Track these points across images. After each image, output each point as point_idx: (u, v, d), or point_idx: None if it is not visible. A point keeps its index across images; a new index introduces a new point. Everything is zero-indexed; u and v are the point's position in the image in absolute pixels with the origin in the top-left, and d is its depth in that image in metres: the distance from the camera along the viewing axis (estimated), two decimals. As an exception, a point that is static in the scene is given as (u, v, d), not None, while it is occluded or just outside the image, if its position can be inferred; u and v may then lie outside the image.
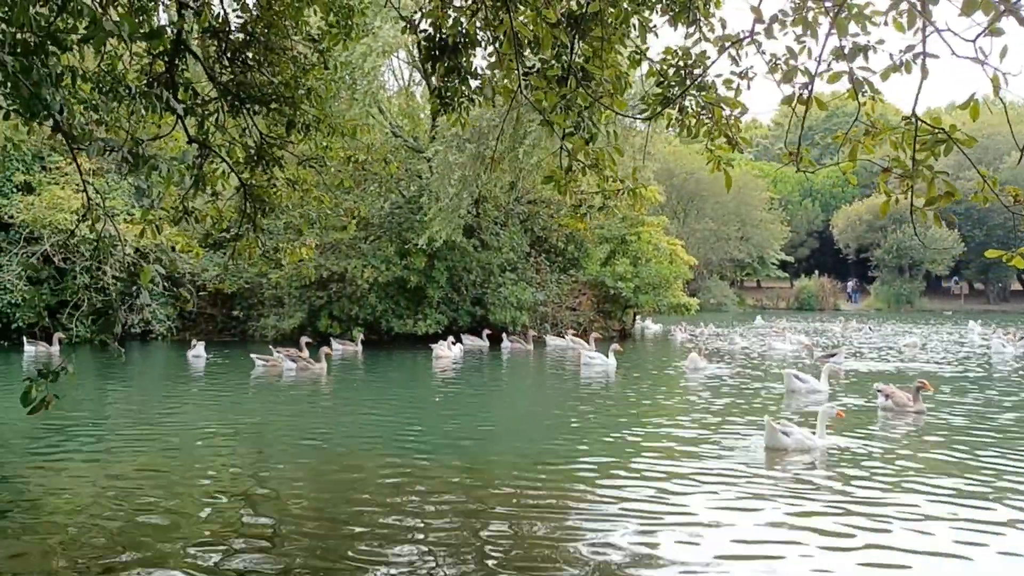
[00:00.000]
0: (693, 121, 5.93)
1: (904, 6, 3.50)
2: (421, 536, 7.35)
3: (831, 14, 4.03)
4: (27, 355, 23.77)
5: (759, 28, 4.59)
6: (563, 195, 6.08)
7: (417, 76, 33.73)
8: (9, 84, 3.95)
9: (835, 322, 44.90)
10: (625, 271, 31.01)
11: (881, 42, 3.75)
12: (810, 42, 4.60)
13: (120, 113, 4.46)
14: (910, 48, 3.52)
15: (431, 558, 6.72)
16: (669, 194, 45.19)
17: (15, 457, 10.94)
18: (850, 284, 77.43)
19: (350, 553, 6.83)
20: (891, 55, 3.63)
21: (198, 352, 23.16)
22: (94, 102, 4.01)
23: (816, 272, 77.74)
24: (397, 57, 30.83)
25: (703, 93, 5.67)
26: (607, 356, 22.38)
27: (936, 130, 3.63)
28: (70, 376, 3.48)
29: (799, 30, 4.25)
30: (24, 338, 24.78)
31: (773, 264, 77.17)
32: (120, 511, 8.15)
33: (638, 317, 36.41)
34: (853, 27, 4.13)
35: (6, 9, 3.91)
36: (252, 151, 7.80)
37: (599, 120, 6.40)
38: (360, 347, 25.59)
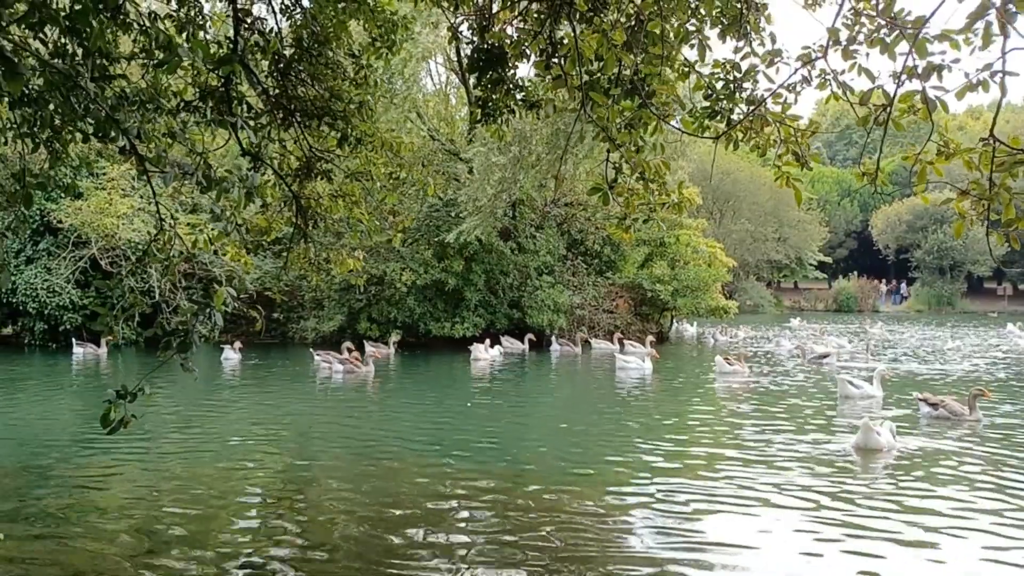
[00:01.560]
0: (740, 135, 5.94)
1: (981, 24, 3.49)
2: (461, 542, 7.44)
3: (898, 32, 4.02)
4: (75, 357, 24.34)
5: (813, 46, 4.60)
6: (607, 205, 6.12)
7: (454, 79, 33.89)
8: (83, 108, 4.11)
9: (874, 324, 44.26)
10: (663, 274, 30.86)
11: (957, 61, 3.74)
12: (867, 59, 4.59)
13: (192, 133, 4.60)
14: (988, 66, 3.50)
15: (468, 566, 6.79)
16: (705, 195, 44.85)
17: (63, 457, 11.23)
18: (888, 285, 76.09)
19: (391, 560, 6.93)
20: (967, 74, 3.61)
21: (228, 355, 23.64)
22: (172, 129, 4.14)
23: (855, 273, 76.68)
24: (434, 60, 31.01)
25: (761, 108, 5.67)
26: (643, 360, 22.41)
27: (1016, 151, 3.60)
28: (147, 396, 3.60)
29: (875, 50, 4.24)
30: (73, 340, 25.38)
31: (811, 265, 76.24)
32: (162, 511, 8.34)
33: (675, 320, 36.18)
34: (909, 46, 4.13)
35: (83, 35, 4.06)
36: (302, 163, 7.95)
37: (648, 133, 6.43)
38: (392, 350, 25.64)
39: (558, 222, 31.48)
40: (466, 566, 6.75)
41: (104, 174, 26.21)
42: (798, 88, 5.54)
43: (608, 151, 6.03)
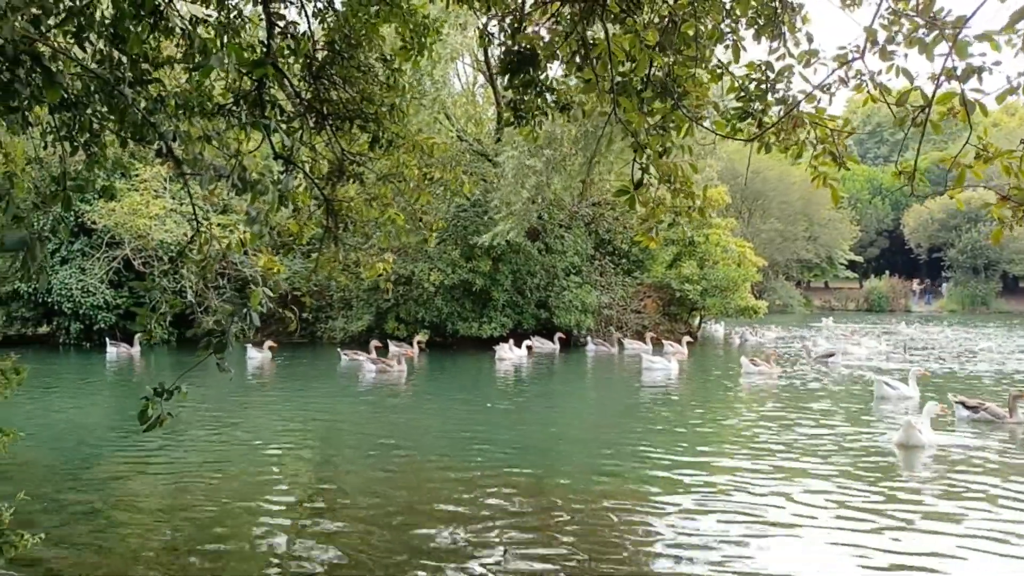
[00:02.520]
0: (773, 138, 5.86)
1: (1021, 25, 3.41)
2: (490, 541, 7.42)
3: (937, 32, 3.94)
4: (109, 356, 24.69)
5: (852, 47, 4.52)
6: (632, 208, 6.06)
7: (480, 78, 33.91)
8: (120, 112, 4.14)
9: (904, 324, 43.68)
10: (692, 273, 30.65)
11: (998, 63, 3.65)
12: (903, 60, 4.51)
13: (226, 135, 4.62)
14: (1029, 71, 3.42)
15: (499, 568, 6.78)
16: (734, 194, 44.58)
17: (96, 454, 11.38)
18: (920, 285, 74.99)
19: (418, 560, 6.94)
20: (1008, 78, 3.53)
21: (252, 354, 23.96)
22: (208, 133, 4.16)
23: (887, 272, 75.71)
24: (462, 60, 31.05)
25: (785, 107, 5.60)
26: (669, 360, 22.35)
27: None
28: (182, 394, 3.63)
29: (913, 51, 4.16)
30: (107, 339, 25.75)
31: (842, 264, 75.44)
32: (192, 510, 8.41)
33: (703, 320, 35.92)
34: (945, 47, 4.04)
35: (124, 40, 4.09)
36: (334, 166, 7.98)
37: (680, 135, 6.37)
38: (417, 349, 25.44)
39: (586, 222, 31.38)
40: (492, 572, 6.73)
41: (137, 175, 26.55)
42: (833, 89, 5.46)
43: (636, 153, 5.98)
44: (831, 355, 25.48)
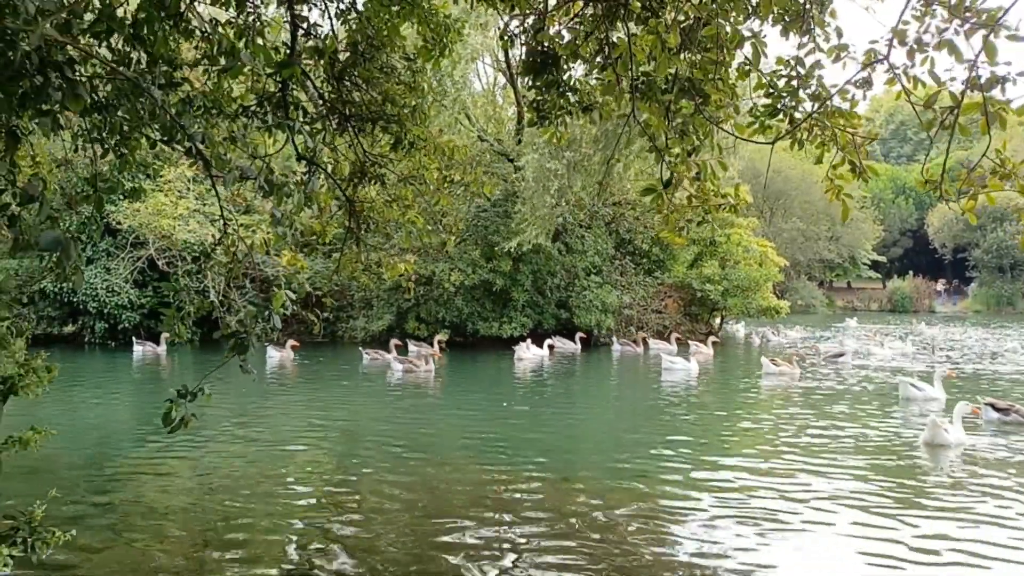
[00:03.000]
0: (805, 135, 5.81)
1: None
2: (510, 544, 7.41)
3: (968, 27, 3.88)
4: (136, 355, 24.93)
5: (881, 40, 4.47)
6: (659, 208, 6.02)
7: (500, 79, 33.92)
8: (149, 114, 4.17)
9: (926, 324, 43.21)
10: (713, 273, 30.50)
11: (1023, 74, 3.59)
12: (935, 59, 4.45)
13: (252, 138, 4.64)
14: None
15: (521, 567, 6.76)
16: (755, 193, 44.36)
17: (121, 454, 11.49)
18: (945, 285, 74.13)
19: (439, 558, 6.94)
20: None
21: (271, 352, 24.23)
22: (234, 134, 4.18)
23: (910, 273, 74.93)
24: (482, 61, 31.08)
25: (818, 106, 5.55)
26: (689, 360, 22.29)
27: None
28: (206, 396, 3.65)
29: (942, 54, 4.10)
30: (133, 339, 26.01)
31: (864, 264, 74.75)
32: (214, 510, 8.47)
33: (725, 320, 35.69)
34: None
35: (147, 43, 4.12)
36: (355, 167, 8.01)
37: (702, 136, 6.33)
38: (437, 349, 24.96)
39: (606, 222, 31.30)
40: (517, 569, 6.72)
41: (161, 176, 26.79)
42: (865, 88, 5.40)
43: (656, 155, 5.94)
44: (841, 355, 25.55)
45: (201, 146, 3.89)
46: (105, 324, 27.05)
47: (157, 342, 25.78)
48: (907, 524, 8.26)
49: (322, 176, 7.90)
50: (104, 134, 4.36)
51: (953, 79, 4.16)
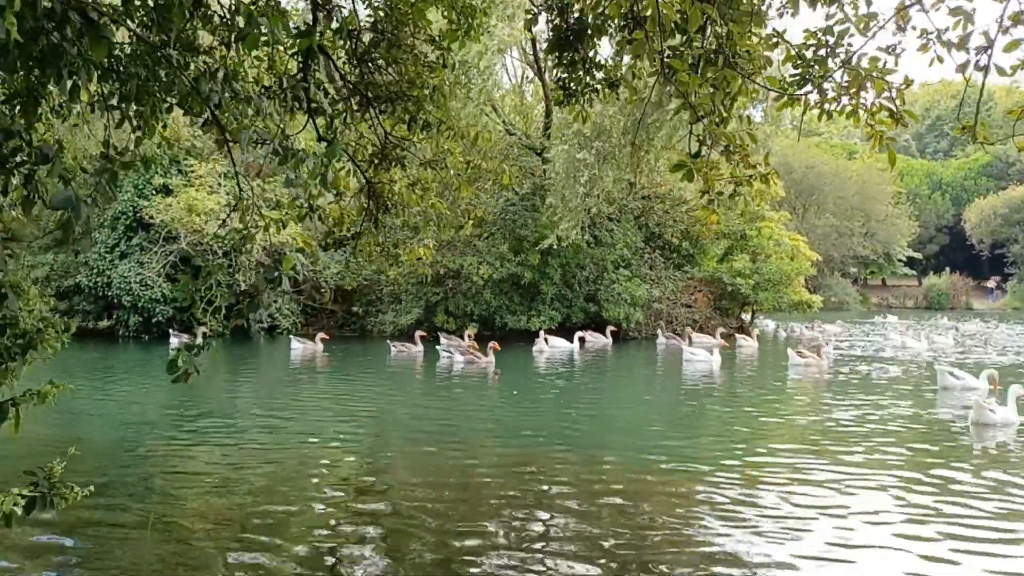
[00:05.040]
0: (834, 105, 5.67)
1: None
2: (537, 534, 7.34)
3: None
4: (172, 347, 25.22)
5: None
6: (691, 182, 5.91)
7: (530, 73, 33.87)
8: (168, 80, 4.16)
9: (943, 319, 42.45)
10: (744, 267, 30.18)
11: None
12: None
13: (268, 109, 4.61)
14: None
15: (546, 559, 6.68)
16: (788, 188, 43.79)
17: (152, 439, 11.57)
18: (995, 283, 72.52)
19: (463, 544, 6.88)
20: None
21: (295, 344, 24.46)
22: (249, 95, 4.16)
23: (947, 269, 73.63)
24: (510, 55, 31.05)
25: (848, 68, 5.40)
26: (711, 353, 22.17)
27: None
28: (212, 352, 3.63)
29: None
30: (169, 331, 26.37)
31: (900, 261, 73.60)
32: (242, 496, 8.47)
33: (755, 315, 35.31)
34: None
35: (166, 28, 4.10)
36: (376, 149, 7.97)
37: (734, 91, 6.19)
38: (468, 342, 24.98)
39: (635, 215, 31.13)
40: (541, 556, 6.64)
41: (192, 171, 27.09)
42: (897, 50, 5.26)
43: (691, 124, 5.84)
44: (823, 345, 25.69)
45: (217, 111, 3.86)
46: (139, 318, 27.42)
47: (193, 335, 26.09)
48: (957, 503, 8.07)
49: (343, 158, 7.87)
50: (121, 103, 4.35)
51: (995, 23, 4.00)
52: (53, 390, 3.53)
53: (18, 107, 3.90)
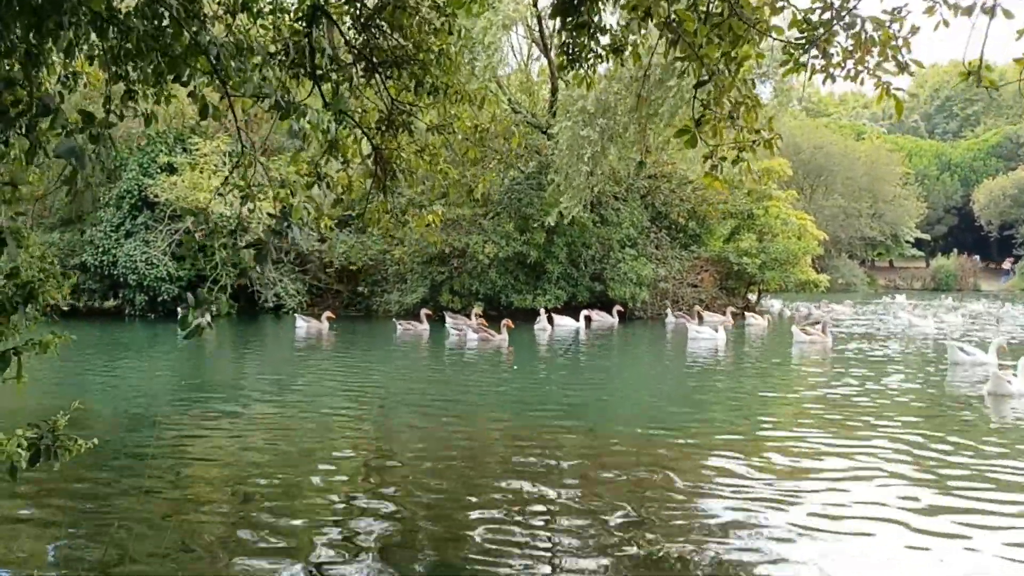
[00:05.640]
0: (840, 70, 5.61)
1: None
2: (542, 508, 7.34)
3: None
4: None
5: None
6: (694, 147, 5.87)
7: (536, 51, 33.68)
8: (168, 36, 4.11)
9: (947, 299, 42.29)
10: (750, 247, 30.07)
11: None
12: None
13: (271, 69, 4.56)
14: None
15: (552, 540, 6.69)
16: (795, 169, 43.55)
17: (160, 412, 11.60)
18: (1011, 262, 72.06)
19: (470, 515, 6.89)
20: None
21: (299, 323, 24.61)
22: (250, 43, 4.12)
23: (955, 251, 73.32)
24: (516, 32, 30.85)
25: (852, 33, 5.34)
26: (716, 331, 22.17)
27: None
28: (224, 304, 3.62)
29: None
30: (179, 309, 26.36)
31: (907, 242, 73.35)
32: (247, 467, 8.49)
33: (762, 294, 35.21)
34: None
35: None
36: (383, 115, 7.92)
37: (738, 71, 6.16)
38: (476, 321, 24.32)
39: (641, 194, 31.01)
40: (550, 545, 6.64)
41: (197, 150, 27.06)
42: (903, 12, 5.19)
43: (695, 88, 5.79)
44: (817, 322, 25.71)
45: (216, 63, 3.82)
46: (145, 297, 27.46)
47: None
48: (974, 472, 8.06)
49: (349, 125, 7.83)
50: (120, 57, 4.31)
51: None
52: (55, 340, 3.52)
53: (17, 60, 3.87)
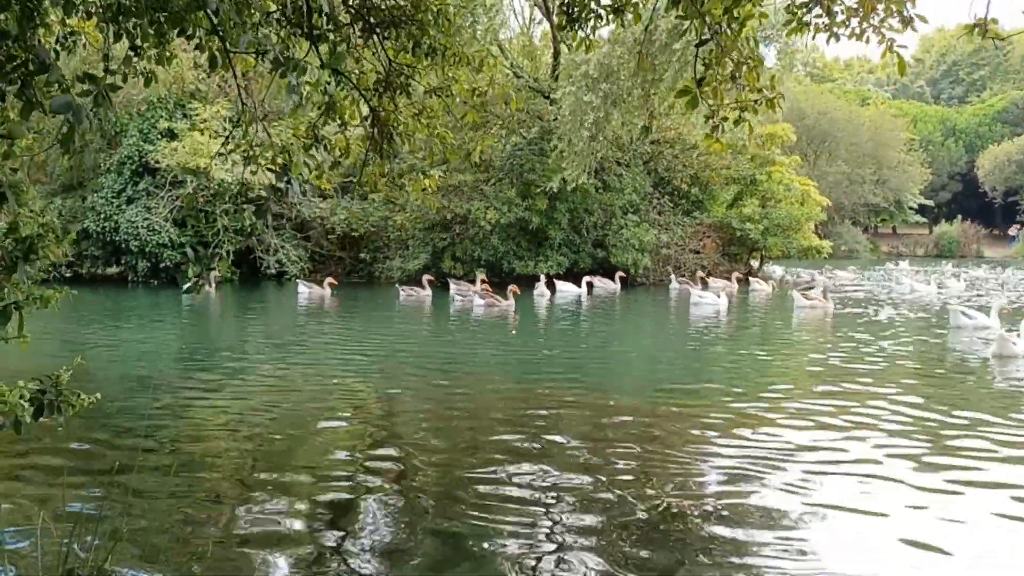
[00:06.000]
0: (844, 29, 5.56)
1: None
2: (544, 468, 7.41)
3: None
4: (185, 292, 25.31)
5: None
6: (695, 107, 5.84)
7: (538, 15, 33.34)
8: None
9: (948, 265, 42.22)
10: (753, 212, 29.97)
11: None
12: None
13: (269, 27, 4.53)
14: None
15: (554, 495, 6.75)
16: (799, 135, 43.19)
17: (163, 375, 11.69)
18: (1017, 228, 71.70)
19: (474, 476, 6.96)
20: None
21: (301, 289, 24.70)
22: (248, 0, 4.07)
23: (958, 217, 73.04)
24: (518, -3, 30.53)
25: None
26: (719, 296, 22.22)
27: None
28: (222, 262, 3.64)
29: None
30: (176, 277, 26.44)
31: (911, 209, 73.05)
32: (251, 428, 8.54)
33: (764, 260, 35.15)
34: None
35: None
36: (381, 77, 7.87)
37: (741, 31, 6.12)
38: (480, 286, 24.26)
39: (644, 160, 30.86)
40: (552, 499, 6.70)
41: (197, 115, 26.92)
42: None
43: (698, 45, 5.75)
44: (812, 287, 26.02)
45: (215, 19, 3.79)
46: (147, 263, 27.49)
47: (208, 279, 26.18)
48: (975, 432, 8.13)
49: (347, 87, 7.77)
50: (119, 16, 4.28)
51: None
52: (55, 294, 3.54)
53: (12, 17, 3.84)
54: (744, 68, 5.89)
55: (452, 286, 25.03)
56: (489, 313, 20.40)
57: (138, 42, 4.24)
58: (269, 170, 3.91)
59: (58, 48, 4.28)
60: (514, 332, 17.18)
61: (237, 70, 4.50)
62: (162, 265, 27.18)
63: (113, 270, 28.72)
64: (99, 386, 10.28)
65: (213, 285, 25.64)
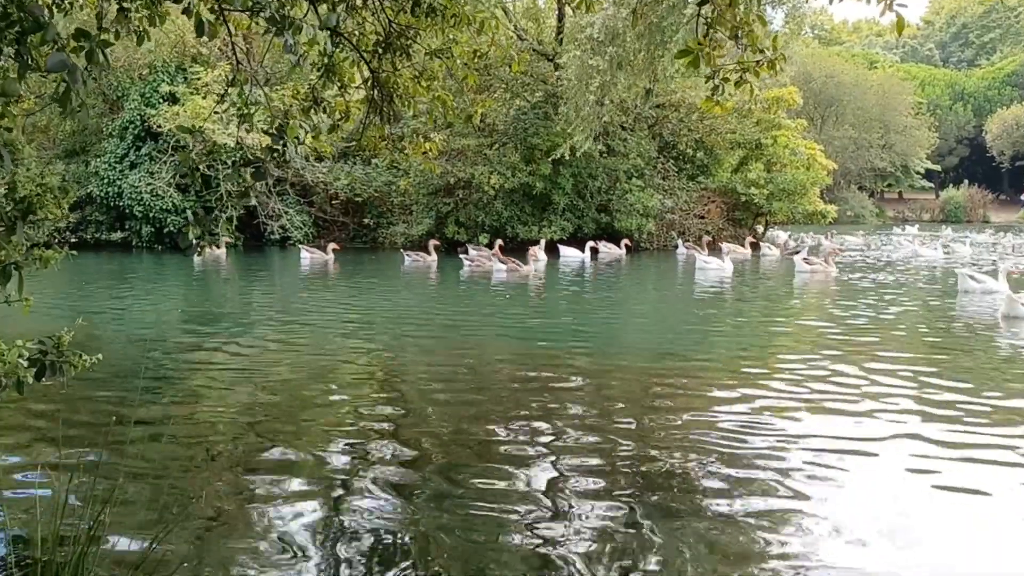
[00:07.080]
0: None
1: None
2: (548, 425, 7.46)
3: None
4: (196, 257, 25.31)
5: None
6: (696, 67, 5.78)
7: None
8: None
9: (947, 230, 42.04)
10: (758, 177, 29.77)
11: None
12: None
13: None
14: None
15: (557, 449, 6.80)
16: (806, 99, 42.72)
17: (168, 345, 11.76)
18: None
19: (479, 436, 7.02)
20: None
21: (304, 254, 24.82)
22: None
23: (965, 182, 72.56)
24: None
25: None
26: (723, 260, 22.20)
27: None
28: (224, 226, 3.64)
29: None
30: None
31: (918, 173, 72.60)
32: (256, 389, 8.60)
33: (769, 226, 35.02)
34: None
35: None
36: (380, 38, 7.79)
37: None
38: (497, 250, 23.46)
39: (649, 124, 30.61)
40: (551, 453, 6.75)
41: (198, 79, 26.74)
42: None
43: (699, 5, 5.68)
44: (798, 251, 26.19)
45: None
46: (151, 228, 27.50)
47: (217, 244, 26.11)
48: (990, 396, 8.16)
49: (346, 48, 7.71)
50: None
51: None
52: (55, 254, 3.55)
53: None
54: (746, 28, 5.83)
55: (470, 251, 24.32)
56: (511, 278, 20.38)
57: (126, 4, 4.19)
58: (265, 132, 3.89)
59: (54, 7, 4.24)
60: (507, 296, 17.19)
61: (231, 28, 4.46)
62: (166, 230, 27.17)
63: (117, 235, 28.72)
64: (102, 348, 10.36)
65: (224, 248, 25.65)
